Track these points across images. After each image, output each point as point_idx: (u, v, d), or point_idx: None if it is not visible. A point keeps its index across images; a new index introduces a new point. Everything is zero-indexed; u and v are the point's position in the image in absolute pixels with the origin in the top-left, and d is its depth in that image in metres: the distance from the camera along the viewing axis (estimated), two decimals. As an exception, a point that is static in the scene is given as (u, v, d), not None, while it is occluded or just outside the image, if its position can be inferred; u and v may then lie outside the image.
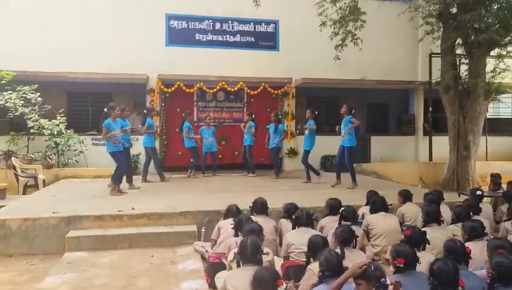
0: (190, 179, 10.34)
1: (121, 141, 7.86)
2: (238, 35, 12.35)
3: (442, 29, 9.43)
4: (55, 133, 10.41)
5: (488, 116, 11.50)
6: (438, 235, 4.22)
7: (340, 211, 4.99)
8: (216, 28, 12.21)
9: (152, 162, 9.77)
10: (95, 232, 5.59)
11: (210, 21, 12.16)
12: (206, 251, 5.12)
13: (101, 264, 4.88)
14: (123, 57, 11.30)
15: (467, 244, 3.65)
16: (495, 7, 8.99)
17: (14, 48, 10.74)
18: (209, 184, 9.46)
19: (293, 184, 9.46)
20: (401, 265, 3.14)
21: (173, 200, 6.94)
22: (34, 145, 10.78)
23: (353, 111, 8.80)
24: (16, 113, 10.10)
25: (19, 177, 9.62)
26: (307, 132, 9.53)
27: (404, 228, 4.35)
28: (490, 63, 9.66)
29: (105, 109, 7.83)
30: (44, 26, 11.05)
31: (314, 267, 3.42)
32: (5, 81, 10.06)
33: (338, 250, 3.61)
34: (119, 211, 6.00)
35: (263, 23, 12.43)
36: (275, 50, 12.54)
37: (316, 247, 3.63)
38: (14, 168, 9.73)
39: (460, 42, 9.37)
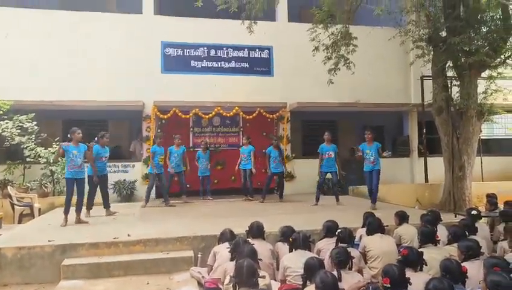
0: (185, 204, 10.28)
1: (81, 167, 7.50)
2: (232, 61, 12.54)
3: (432, 53, 9.62)
4: (51, 161, 10.41)
5: (481, 137, 11.62)
6: (434, 256, 4.21)
7: (336, 233, 4.98)
8: (211, 54, 12.41)
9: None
10: (90, 260, 5.53)
11: (205, 48, 12.36)
12: (203, 276, 5.06)
13: (96, 293, 4.83)
14: (119, 84, 11.44)
15: (463, 264, 3.65)
16: (484, 30, 9.22)
17: (11, 78, 10.86)
18: (205, 209, 9.42)
19: (290, 208, 9.44)
20: (387, 285, 3.13)
21: (169, 226, 6.91)
22: (29, 174, 10.76)
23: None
24: (13, 142, 10.13)
25: (15, 206, 9.56)
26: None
27: (400, 249, 4.35)
28: (481, 85, 9.84)
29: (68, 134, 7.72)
30: (40, 55, 11.20)
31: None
32: (1, 111, 10.12)
33: (335, 272, 3.59)
34: (115, 238, 5.96)
35: (257, 49, 12.64)
36: (270, 75, 12.71)
37: (312, 269, 3.61)
38: (10, 197, 9.68)
39: (451, 65, 9.54)
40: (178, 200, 10.72)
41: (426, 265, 3.96)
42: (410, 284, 3.23)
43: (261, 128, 12.57)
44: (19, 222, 9.28)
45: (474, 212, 6.23)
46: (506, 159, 14.03)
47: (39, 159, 10.34)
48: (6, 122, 10.21)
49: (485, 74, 9.85)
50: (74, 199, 7.50)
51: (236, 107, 11.99)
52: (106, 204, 8.53)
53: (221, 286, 4.23)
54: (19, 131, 10.21)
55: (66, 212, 7.35)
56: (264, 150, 11.59)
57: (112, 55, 11.67)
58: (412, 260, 3.84)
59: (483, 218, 7.01)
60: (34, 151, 10.29)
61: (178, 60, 12.21)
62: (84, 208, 7.86)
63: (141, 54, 11.87)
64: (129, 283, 5.15)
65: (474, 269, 3.78)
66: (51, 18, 11.50)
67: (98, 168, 8.06)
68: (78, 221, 7.49)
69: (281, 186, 10.75)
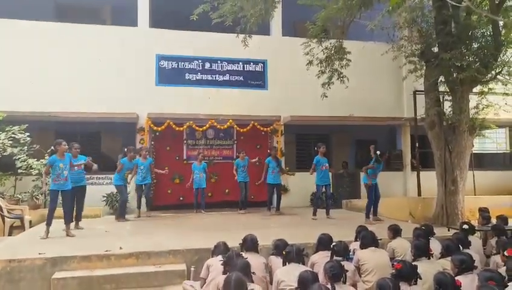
0: (176, 217, 10.24)
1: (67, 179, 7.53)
2: (227, 74, 12.60)
3: (424, 68, 9.73)
4: (43, 174, 10.31)
5: (474, 152, 11.70)
6: (427, 269, 4.20)
7: (331, 246, 4.96)
8: (205, 67, 12.47)
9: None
10: (81, 273, 5.47)
11: (200, 61, 12.43)
12: (196, 290, 5.02)
13: (87, 306, 4.76)
14: (113, 97, 11.43)
15: (457, 277, 3.65)
16: (475, 46, 9.35)
17: (3, 89, 10.81)
18: (198, 222, 9.37)
19: (284, 221, 9.42)
20: None
21: (162, 239, 6.86)
22: (21, 186, 10.65)
23: (378, 152, 9.22)
24: (4, 153, 10.04)
25: (5, 218, 9.44)
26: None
27: (394, 263, 4.35)
28: (473, 100, 9.94)
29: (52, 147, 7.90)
30: (34, 66, 11.19)
31: None
32: (-5, 122, 10.08)
33: (329, 286, 3.57)
34: (107, 250, 5.90)
35: (252, 63, 12.73)
36: (264, 89, 12.78)
37: (306, 283, 3.59)
38: (1, 209, 9.54)
39: (443, 80, 9.65)
40: (173, 213, 10.69)
41: (421, 279, 3.95)
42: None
43: (255, 141, 12.60)
44: (9, 234, 9.15)
45: (466, 226, 6.24)
46: (498, 173, 14.15)
47: (31, 170, 10.25)
48: (-1, 133, 10.15)
49: (476, 89, 9.96)
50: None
51: (231, 120, 12.02)
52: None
53: (214, 300, 4.19)
54: (11, 142, 10.14)
55: (49, 224, 7.35)
56: (257, 163, 11.66)
57: (107, 68, 11.68)
58: (406, 273, 3.83)
59: (476, 232, 7.03)
60: (25, 163, 10.20)
61: (173, 72, 12.25)
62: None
63: (136, 66, 11.90)
64: (121, 296, 5.09)
65: (467, 283, 3.78)
66: (45, 29, 11.52)
67: (74, 179, 7.97)
68: (68, 234, 7.42)
69: (278, 199, 10.73)
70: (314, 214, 9.72)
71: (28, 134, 10.38)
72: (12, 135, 10.24)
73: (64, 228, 7.61)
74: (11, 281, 5.40)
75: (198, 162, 11.18)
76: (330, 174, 10.17)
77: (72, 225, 8.00)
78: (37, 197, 10.46)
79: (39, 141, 10.69)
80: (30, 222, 9.59)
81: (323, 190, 10.00)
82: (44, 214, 9.82)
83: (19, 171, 10.32)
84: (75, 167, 8.00)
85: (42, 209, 10.35)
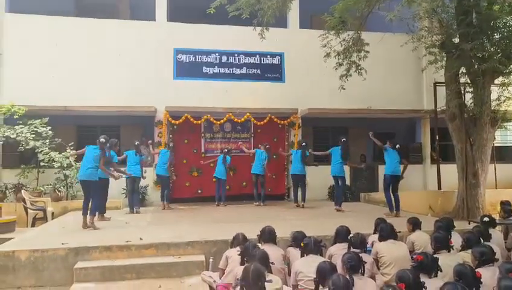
0: (194, 210, 10.38)
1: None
2: (244, 67, 12.60)
3: (445, 59, 9.58)
4: (65, 165, 10.53)
5: (495, 144, 11.49)
6: (447, 262, 4.16)
7: (348, 238, 4.96)
8: (223, 60, 12.49)
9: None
10: (103, 263, 5.58)
11: (217, 54, 12.45)
12: (214, 281, 5.07)
13: (108, 295, 4.86)
14: (132, 90, 11.57)
15: (477, 269, 3.61)
16: (497, 37, 9.14)
17: (26, 84, 11.04)
18: (217, 214, 9.45)
19: (302, 214, 9.42)
20: None
21: (181, 231, 6.93)
22: (43, 178, 10.89)
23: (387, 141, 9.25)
24: (27, 147, 10.27)
25: (28, 210, 9.68)
26: None
27: (414, 256, 4.31)
28: (495, 91, 9.75)
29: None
30: (55, 61, 11.37)
31: None
32: (17, 116, 10.30)
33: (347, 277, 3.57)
34: (127, 241, 6.01)
35: (269, 56, 12.69)
36: (281, 81, 12.74)
37: (324, 273, 3.61)
38: (24, 201, 9.80)
39: (464, 71, 9.48)
40: (191, 205, 10.82)
41: (441, 271, 3.91)
42: (426, 289, 3.19)
43: (272, 134, 12.58)
44: (32, 226, 9.39)
45: (486, 219, 6.15)
46: (520, 166, 13.85)
47: (53, 163, 10.46)
48: (21, 127, 10.38)
49: (498, 81, 9.77)
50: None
51: (248, 113, 12.04)
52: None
53: (232, 290, 4.24)
54: (33, 136, 10.36)
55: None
56: (274, 156, 11.71)
57: (125, 62, 11.82)
58: (427, 265, 3.80)
59: (497, 225, 6.91)
60: (48, 156, 10.41)
61: (190, 66, 12.31)
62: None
63: (154, 60, 12.00)
64: (141, 286, 5.18)
65: (488, 276, 3.73)
66: (65, 25, 11.70)
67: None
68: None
69: (302, 191, 10.66)
70: (336, 204, 9.76)
71: (49, 127, 10.59)
72: (34, 129, 10.46)
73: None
74: (35, 270, 5.54)
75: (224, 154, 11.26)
76: (348, 167, 10.14)
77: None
78: (59, 189, 10.68)
79: (60, 135, 10.90)
80: (52, 213, 9.81)
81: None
82: (66, 206, 10.24)
83: (41, 164, 10.54)
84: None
85: (64, 201, 10.59)
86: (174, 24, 12.34)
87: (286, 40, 12.65)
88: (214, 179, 11.28)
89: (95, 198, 7.59)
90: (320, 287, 3.60)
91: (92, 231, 7.14)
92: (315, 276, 3.75)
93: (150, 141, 10.92)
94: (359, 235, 4.89)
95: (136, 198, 9.88)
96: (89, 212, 7.52)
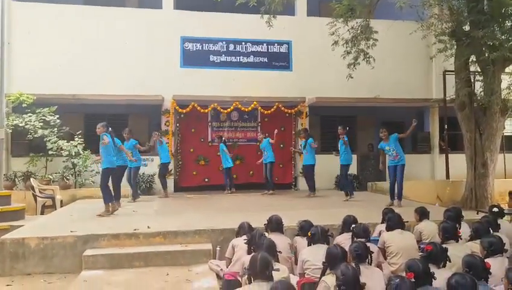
0: (202, 198, 10.43)
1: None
2: (251, 56, 12.53)
3: (455, 47, 9.44)
4: (73, 154, 10.60)
5: (505, 134, 11.37)
6: (456, 253, 4.13)
7: (350, 228, 4.93)
8: (230, 49, 12.42)
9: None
10: (111, 251, 5.62)
11: (224, 42, 12.38)
12: (221, 269, 5.10)
13: (116, 283, 4.90)
14: (139, 79, 11.56)
15: (485, 260, 3.58)
16: (508, 24, 8.98)
17: (34, 73, 11.07)
18: (224, 203, 9.48)
19: (308, 203, 9.42)
20: (411, 280, 3.08)
21: (188, 219, 6.98)
22: (52, 167, 10.99)
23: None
24: (36, 135, 10.34)
25: (37, 197, 9.78)
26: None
27: (422, 246, 4.29)
28: (505, 80, 9.62)
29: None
30: (63, 50, 11.39)
31: (327, 279, 3.41)
32: (25, 104, 10.35)
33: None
34: (135, 229, 6.04)
35: (276, 44, 12.61)
36: (288, 70, 12.66)
37: (334, 258, 3.63)
38: (33, 188, 9.89)
39: (474, 59, 9.35)
40: (198, 193, 10.87)
41: (450, 261, 3.89)
42: (435, 279, 3.18)
43: (279, 123, 12.53)
44: (41, 213, 9.49)
45: (495, 209, 6.09)
46: (530, 156, 13.71)
47: (61, 151, 10.54)
48: (30, 116, 10.45)
49: (509, 69, 9.63)
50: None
51: (255, 102, 12.00)
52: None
53: (239, 279, 4.26)
54: (41, 124, 10.43)
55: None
56: (281, 145, 11.70)
57: (132, 50, 11.80)
58: (436, 255, 3.77)
59: (506, 215, 6.86)
60: (56, 144, 10.49)
61: (197, 54, 12.27)
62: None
63: (161, 48, 11.97)
64: (149, 273, 5.22)
65: (497, 266, 3.71)
66: (72, 13, 11.69)
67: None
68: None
69: (308, 180, 10.62)
70: (347, 194, 9.73)
71: (57, 116, 10.65)
72: (43, 117, 10.52)
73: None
74: (44, 257, 5.60)
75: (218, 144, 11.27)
76: (355, 156, 10.06)
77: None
78: (68, 177, 10.76)
79: (68, 123, 10.96)
80: (61, 201, 9.92)
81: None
82: (74, 195, 10.33)
83: (50, 152, 10.62)
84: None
85: (73, 189, 10.69)
86: (181, 12, 12.27)
87: (294, 28, 12.55)
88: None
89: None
90: (328, 270, 3.61)
91: (101, 219, 7.20)
92: (324, 259, 3.75)
93: (155, 132, 10.70)
94: (361, 225, 4.86)
95: (132, 188, 9.86)
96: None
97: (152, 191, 11.35)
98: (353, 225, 4.95)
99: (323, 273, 3.66)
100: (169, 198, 10.43)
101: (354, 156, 11.00)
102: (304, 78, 12.48)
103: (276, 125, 12.29)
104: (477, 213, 7.58)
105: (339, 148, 9.82)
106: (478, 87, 9.58)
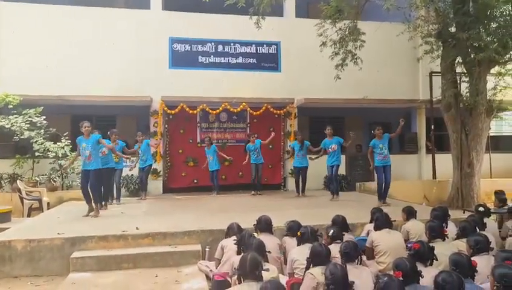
0: (190, 199, 10.42)
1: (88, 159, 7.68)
2: (240, 57, 12.53)
3: (441, 48, 9.56)
4: (60, 155, 10.49)
5: (490, 134, 11.54)
6: (442, 251, 4.19)
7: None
8: (218, 50, 12.41)
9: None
10: (99, 253, 5.58)
11: (212, 43, 12.37)
12: (211, 270, 5.10)
13: (105, 285, 4.87)
14: (127, 80, 11.49)
15: (472, 258, 3.63)
16: (493, 26, 9.12)
17: (20, 73, 10.93)
18: (213, 204, 9.47)
19: (297, 203, 9.45)
20: (399, 278, 3.12)
21: (177, 220, 6.95)
22: (38, 168, 10.86)
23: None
24: (22, 137, 10.22)
25: (24, 200, 9.66)
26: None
27: (409, 245, 4.34)
28: (491, 81, 9.76)
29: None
30: (49, 50, 11.26)
31: (313, 271, 3.46)
32: (12, 106, 10.22)
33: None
34: (124, 231, 6.01)
35: (265, 45, 12.63)
36: (277, 71, 12.69)
37: (317, 255, 3.71)
38: (19, 191, 9.77)
39: (460, 61, 9.48)
40: (187, 195, 10.83)
41: (437, 260, 3.94)
42: (422, 277, 3.22)
43: (268, 124, 12.57)
44: (28, 216, 9.37)
45: (481, 208, 6.19)
46: (515, 156, 13.93)
47: (48, 153, 10.42)
48: (16, 117, 10.31)
49: (494, 70, 9.78)
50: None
51: (244, 103, 12.01)
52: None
53: (229, 279, 4.26)
54: (28, 125, 10.30)
55: (87, 202, 7.69)
56: (270, 146, 11.72)
57: (120, 51, 11.72)
58: (423, 254, 3.83)
59: (492, 215, 6.97)
60: (42, 146, 10.38)
61: (186, 55, 12.23)
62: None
63: (149, 49, 11.90)
64: (138, 275, 5.19)
65: (483, 264, 3.76)
66: (59, 13, 11.56)
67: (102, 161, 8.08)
68: (95, 214, 7.65)
69: (303, 181, 10.66)
70: (332, 194, 9.77)
71: (44, 117, 10.53)
72: (29, 119, 10.40)
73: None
74: (31, 260, 5.54)
75: (207, 146, 11.20)
76: (344, 157, 10.12)
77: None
78: (55, 179, 10.65)
79: (55, 124, 10.84)
80: (48, 203, 9.81)
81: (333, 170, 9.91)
82: (62, 197, 10.18)
83: (36, 154, 10.50)
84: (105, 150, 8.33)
85: (60, 191, 10.58)
86: (169, 13, 12.23)
87: (282, 29, 12.58)
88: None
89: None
90: (311, 266, 3.65)
91: (88, 221, 7.14)
92: (308, 255, 3.80)
93: (139, 133, 10.55)
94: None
95: (117, 190, 9.72)
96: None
97: (140, 193, 11.25)
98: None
99: (307, 269, 3.70)
100: (156, 200, 10.42)
101: (343, 157, 11.06)
102: (293, 79, 12.52)
103: (265, 126, 12.39)
104: (464, 212, 7.68)
105: (334, 148, 9.79)
106: (464, 88, 9.70)
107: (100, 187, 8.01)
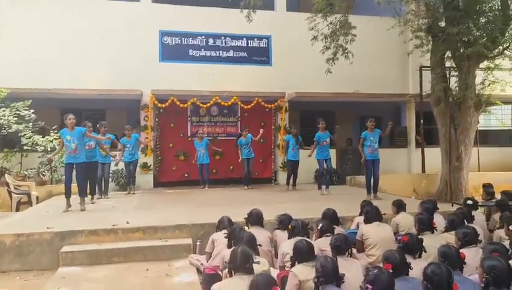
0: (181, 193, 10.39)
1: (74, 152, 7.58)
2: (231, 50, 12.47)
3: (431, 43, 9.61)
4: (49, 149, 10.37)
5: (479, 128, 11.66)
6: (431, 243, 4.23)
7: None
8: (209, 43, 12.34)
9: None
10: (89, 247, 5.55)
11: (203, 37, 12.29)
12: (202, 263, 5.09)
13: (95, 279, 4.85)
14: (117, 73, 11.38)
15: (460, 250, 3.68)
16: (483, 21, 9.20)
17: (7, 65, 10.77)
18: (204, 198, 9.46)
19: (288, 197, 9.49)
20: (389, 270, 3.15)
21: (168, 214, 6.94)
22: (27, 162, 10.74)
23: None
24: (10, 130, 10.08)
25: (12, 194, 9.56)
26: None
27: (398, 237, 4.38)
28: (479, 76, 9.85)
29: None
30: (37, 43, 11.11)
31: (296, 270, 3.51)
32: (-1, 99, 10.10)
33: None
34: (114, 225, 5.98)
35: (256, 39, 12.58)
36: (268, 65, 12.67)
37: (300, 252, 3.71)
38: (7, 185, 9.67)
39: (450, 55, 9.54)
40: (177, 189, 10.80)
41: (426, 252, 3.99)
42: (411, 269, 3.26)
43: (259, 118, 12.56)
44: (17, 210, 9.30)
45: (469, 201, 6.26)
46: (503, 149, 14.12)
47: (36, 147, 10.30)
48: (3, 110, 10.16)
49: (483, 65, 9.86)
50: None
51: (235, 97, 11.98)
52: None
53: (220, 273, 4.26)
54: (16, 119, 10.17)
55: (66, 196, 7.58)
56: (261, 140, 11.72)
57: (110, 44, 11.59)
58: (412, 246, 3.87)
59: (479, 208, 7.05)
60: (31, 140, 10.25)
61: (176, 48, 12.15)
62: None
63: (139, 42, 11.79)
64: (129, 269, 5.18)
65: (471, 256, 3.81)
66: (48, 5, 11.40)
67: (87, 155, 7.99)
68: (81, 208, 7.64)
69: (295, 175, 10.70)
70: (320, 188, 9.80)
71: (32, 110, 10.40)
72: (17, 112, 10.26)
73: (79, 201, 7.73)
74: (20, 254, 5.49)
75: (199, 139, 11.18)
76: (334, 150, 10.15)
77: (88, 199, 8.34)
78: (43, 173, 10.55)
79: (44, 118, 10.72)
80: (37, 197, 9.72)
81: (325, 165, 9.94)
82: (51, 191, 10.08)
83: (25, 147, 10.37)
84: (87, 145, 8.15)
85: (49, 185, 10.48)
86: (160, 5, 12.14)
87: (273, 23, 12.54)
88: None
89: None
90: (296, 264, 3.68)
91: (78, 215, 7.10)
92: (292, 254, 3.81)
93: (127, 126, 10.39)
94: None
95: (105, 184, 9.54)
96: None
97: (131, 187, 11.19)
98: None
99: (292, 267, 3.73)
100: (147, 194, 10.42)
101: (333, 151, 11.13)
102: (284, 73, 12.50)
103: (256, 120, 12.38)
104: (452, 205, 7.77)
105: (328, 142, 9.80)
106: (453, 82, 9.78)
107: (86, 181, 7.95)
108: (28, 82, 10.61)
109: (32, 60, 10.98)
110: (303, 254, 3.69)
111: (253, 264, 3.42)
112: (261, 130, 11.12)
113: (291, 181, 10.73)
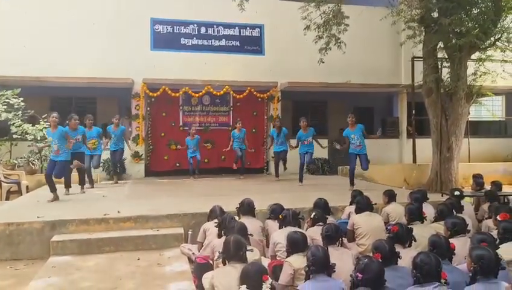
0: (173, 183, 10.36)
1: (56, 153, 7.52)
2: (223, 39, 12.38)
3: (423, 33, 9.60)
4: (39, 138, 10.27)
5: (469, 119, 11.74)
6: (421, 233, 4.28)
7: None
8: (201, 32, 12.24)
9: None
10: (80, 236, 5.53)
11: (195, 25, 12.18)
12: (193, 253, 5.12)
13: (86, 268, 4.84)
14: (108, 62, 11.25)
15: (450, 240, 3.72)
16: (475, 12, 9.19)
17: (-4, 53, 10.61)
18: (195, 187, 9.46)
19: (279, 187, 9.52)
20: (379, 260, 3.19)
21: (159, 204, 6.92)
22: (16, 151, 10.62)
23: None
24: (-1, 119, 9.97)
25: (2, 183, 9.49)
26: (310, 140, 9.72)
27: (389, 227, 4.42)
28: (471, 67, 9.88)
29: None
30: (27, 30, 10.94)
31: (291, 259, 3.53)
32: (-13, 87, 9.96)
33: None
34: (105, 214, 5.96)
35: (248, 28, 12.49)
36: (260, 54, 12.60)
37: (295, 243, 3.74)
38: (-3, 174, 9.59)
39: (442, 46, 9.54)
40: (169, 178, 10.78)
41: (415, 241, 4.03)
42: (400, 258, 3.30)
43: (252, 107, 12.53)
44: (7, 199, 9.23)
45: (457, 193, 6.31)
46: (493, 140, 14.26)
47: (26, 136, 10.19)
48: (-8, 99, 10.04)
49: (475, 56, 9.89)
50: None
51: (227, 86, 11.92)
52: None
53: (211, 262, 4.28)
54: (5, 107, 10.05)
55: (51, 191, 7.53)
56: (253, 130, 11.71)
57: (101, 31, 11.44)
58: (402, 236, 3.92)
59: (469, 198, 7.14)
60: (21, 128, 10.14)
61: (168, 37, 12.03)
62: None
63: (130, 30, 11.66)
64: (120, 258, 5.17)
65: (460, 246, 3.86)
66: (37, -8, 11.21)
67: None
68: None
69: (284, 161, 10.64)
70: (300, 181, 9.77)
71: (21, 99, 10.27)
72: (6, 100, 10.13)
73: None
74: (10, 243, 5.46)
75: (191, 137, 11.05)
76: (326, 141, 10.13)
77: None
78: (33, 162, 10.46)
79: (33, 106, 10.60)
80: (27, 187, 9.66)
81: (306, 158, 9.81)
82: (41, 180, 9.94)
83: (14, 136, 10.26)
84: (73, 141, 7.95)
85: (39, 174, 10.38)
86: (151, -7, 11.97)
87: (266, 12, 12.44)
88: None
89: None
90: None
91: (69, 204, 7.06)
92: (287, 245, 3.83)
93: (116, 116, 10.21)
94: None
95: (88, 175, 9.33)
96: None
97: (122, 176, 11.16)
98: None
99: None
100: (138, 183, 10.39)
101: (325, 141, 11.17)
102: (276, 62, 12.45)
103: (248, 110, 12.36)
104: (442, 195, 7.85)
105: (310, 141, 9.73)
106: (445, 73, 9.80)
107: (68, 174, 7.91)
108: (17, 70, 10.46)
109: (21, 47, 10.81)
110: (299, 245, 3.72)
111: (247, 252, 3.44)
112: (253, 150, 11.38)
113: (281, 170, 10.73)
